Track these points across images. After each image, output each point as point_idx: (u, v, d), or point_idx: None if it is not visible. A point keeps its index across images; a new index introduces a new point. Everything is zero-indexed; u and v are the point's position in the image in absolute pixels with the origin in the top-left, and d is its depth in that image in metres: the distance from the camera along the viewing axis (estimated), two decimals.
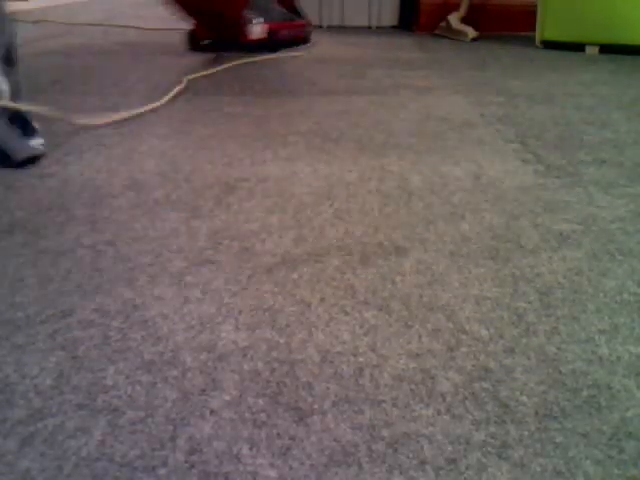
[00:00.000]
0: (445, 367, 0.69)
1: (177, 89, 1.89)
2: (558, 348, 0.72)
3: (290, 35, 2.81)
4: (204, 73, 2.19)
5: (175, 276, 0.87)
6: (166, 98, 1.80)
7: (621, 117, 1.73)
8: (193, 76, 2.10)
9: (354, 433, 0.59)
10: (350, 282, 0.86)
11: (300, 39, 2.88)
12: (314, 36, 3.01)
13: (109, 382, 0.66)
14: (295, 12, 2.90)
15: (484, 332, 0.75)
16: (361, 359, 0.70)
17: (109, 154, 1.38)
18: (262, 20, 2.60)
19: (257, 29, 2.57)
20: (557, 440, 0.59)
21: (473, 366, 0.69)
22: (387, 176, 1.26)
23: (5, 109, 1.26)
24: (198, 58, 2.56)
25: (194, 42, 2.72)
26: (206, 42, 2.71)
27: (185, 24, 2.75)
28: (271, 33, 2.65)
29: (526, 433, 0.59)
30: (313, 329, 0.75)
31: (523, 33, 3.18)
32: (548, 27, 2.84)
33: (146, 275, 0.87)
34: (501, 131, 1.59)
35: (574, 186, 1.22)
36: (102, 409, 0.62)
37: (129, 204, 1.11)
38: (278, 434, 0.59)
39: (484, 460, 0.56)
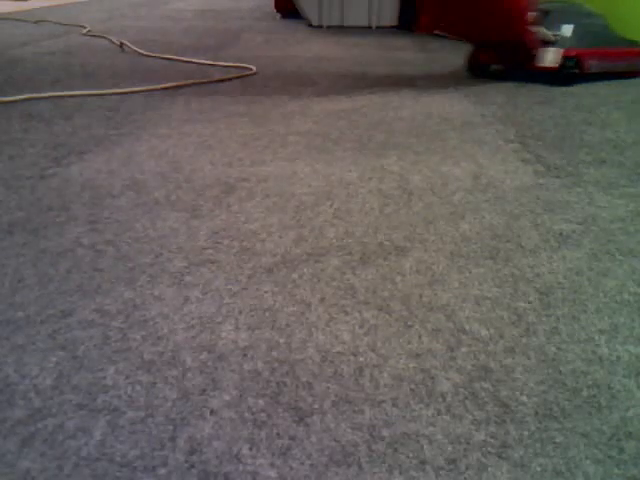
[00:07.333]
0: (445, 367, 0.69)
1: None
2: (558, 348, 0.72)
3: (606, 65, 2.18)
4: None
5: (175, 276, 0.87)
6: None
7: (621, 117, 1.73)
8: None
9: (354, 433, 0.59)
10: (350, 282, 0.86)
11: (631, 72, 2.24)
12: (313, 35, 2.68)
13: (109, 382, 0.66)
14: None
15: (484, 332, 0.75)
16: (361, 359, 0.70)
17: (109, 154, 1.38)
18: (557, 46, 2.07)
19: (547, 56, 2.06)
20: (557, 440, 0.59)
21: (473, 366, 0.69)
22: (387, 176, 1.26)
23: None
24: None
25: (477, 67, 2.30)
26: (495, 68, 2.27)
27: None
28: (566, 62, 2.08)
29: (526, 433, 0.59)
30: (313, 329, 0.75)
31: None
32: None
33: (146, 275, 0.87)
34: (501, 131, 1.59)
35: (574, 186, 1.22)
36: (102, 409, 0.62)
37: (129, 204, 1.11)
38: (278, 434, 0.59)
39: (484, 460, 0.56)
